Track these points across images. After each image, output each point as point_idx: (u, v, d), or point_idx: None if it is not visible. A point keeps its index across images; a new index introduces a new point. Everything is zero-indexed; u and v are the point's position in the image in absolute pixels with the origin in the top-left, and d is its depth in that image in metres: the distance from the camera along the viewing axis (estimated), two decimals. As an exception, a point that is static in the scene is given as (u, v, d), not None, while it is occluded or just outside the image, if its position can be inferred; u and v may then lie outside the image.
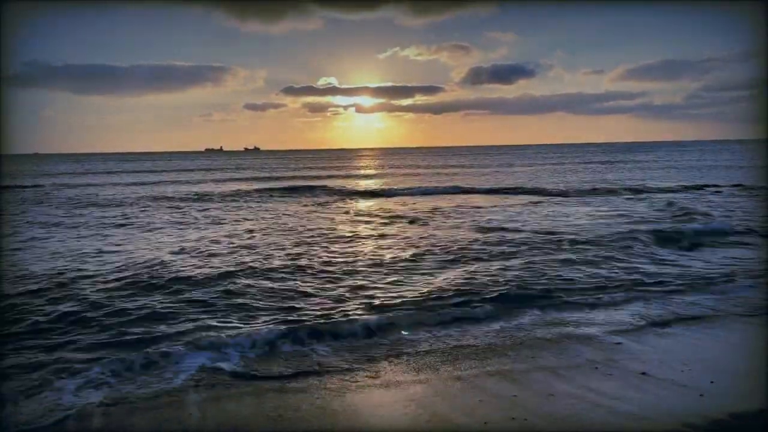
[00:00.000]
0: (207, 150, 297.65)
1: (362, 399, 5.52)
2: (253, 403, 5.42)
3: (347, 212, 21.21)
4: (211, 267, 11.15)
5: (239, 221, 18.69)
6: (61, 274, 10.64)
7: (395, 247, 13.11)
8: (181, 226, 17.70)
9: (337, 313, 7.99)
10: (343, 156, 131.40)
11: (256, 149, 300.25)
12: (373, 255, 12.21)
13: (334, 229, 16.33)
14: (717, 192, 25.98)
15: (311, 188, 33.31)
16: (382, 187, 33.36)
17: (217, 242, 14.23)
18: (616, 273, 10.23)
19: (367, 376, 6.03)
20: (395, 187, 32.31)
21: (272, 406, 5.35)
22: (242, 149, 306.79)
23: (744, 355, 6.63)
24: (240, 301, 8.72)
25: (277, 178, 44.84)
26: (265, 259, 11.87)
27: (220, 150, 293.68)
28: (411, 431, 4.90)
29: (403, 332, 7.34)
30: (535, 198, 25.39)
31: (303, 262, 11.54)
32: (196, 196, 28.86)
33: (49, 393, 5.57)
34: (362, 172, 56.04)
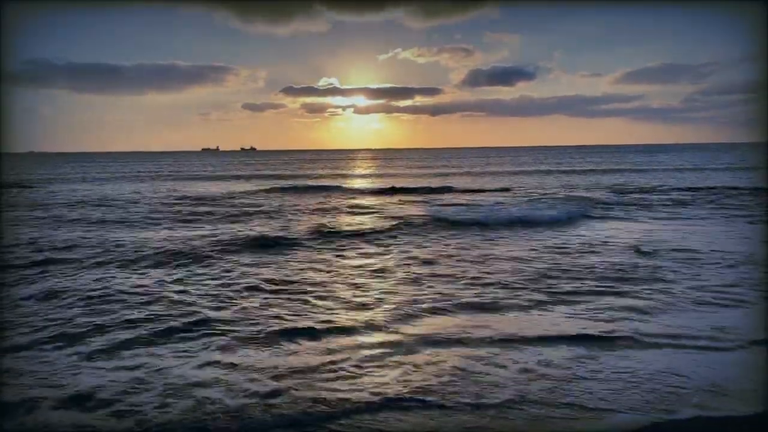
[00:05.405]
0: (203, 150, 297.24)
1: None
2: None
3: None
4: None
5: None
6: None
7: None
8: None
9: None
10: (338, 158, 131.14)
11: (253, 149, 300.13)
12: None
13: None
14: None
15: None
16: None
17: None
18: None
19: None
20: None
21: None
22: (239, 149, 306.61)
23: None
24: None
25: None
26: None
27: (217, 150, 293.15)
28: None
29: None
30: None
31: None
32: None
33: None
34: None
